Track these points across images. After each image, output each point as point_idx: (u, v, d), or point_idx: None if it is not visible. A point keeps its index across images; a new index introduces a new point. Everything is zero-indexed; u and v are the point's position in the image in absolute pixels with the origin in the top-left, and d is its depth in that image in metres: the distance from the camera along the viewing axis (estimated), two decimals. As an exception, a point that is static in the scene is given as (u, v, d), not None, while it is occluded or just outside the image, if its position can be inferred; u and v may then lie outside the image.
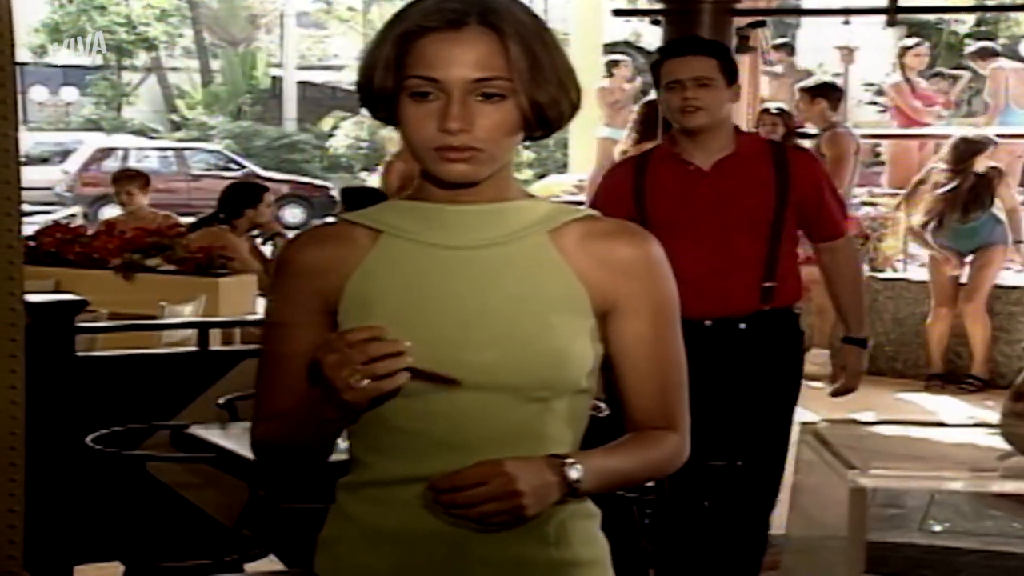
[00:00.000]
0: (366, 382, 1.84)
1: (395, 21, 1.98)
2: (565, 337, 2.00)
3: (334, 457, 2.14)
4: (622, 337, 2.06)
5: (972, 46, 13.00)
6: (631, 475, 2.09)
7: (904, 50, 12.23)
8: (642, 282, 2.05)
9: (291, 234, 7.56)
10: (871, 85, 23.06)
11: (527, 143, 2.08)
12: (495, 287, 2.00)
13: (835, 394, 4.56)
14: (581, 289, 2.02)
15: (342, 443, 2.10)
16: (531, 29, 1.97)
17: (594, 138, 13.29)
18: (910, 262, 10.16)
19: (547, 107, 1.98)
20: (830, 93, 9.37)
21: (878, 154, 12.46)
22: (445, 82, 1.93)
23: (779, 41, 14.10)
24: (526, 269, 2.01)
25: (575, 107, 2.03)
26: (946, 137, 11.25)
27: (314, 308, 2.05)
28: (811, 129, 9.55)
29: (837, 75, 18.05)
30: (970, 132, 9.29)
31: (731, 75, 4.32)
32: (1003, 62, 12.26)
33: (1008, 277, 9.35)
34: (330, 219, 2.35)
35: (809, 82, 9.76)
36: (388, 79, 1.97)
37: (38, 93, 32.00)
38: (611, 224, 2.09)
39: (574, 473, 1.94)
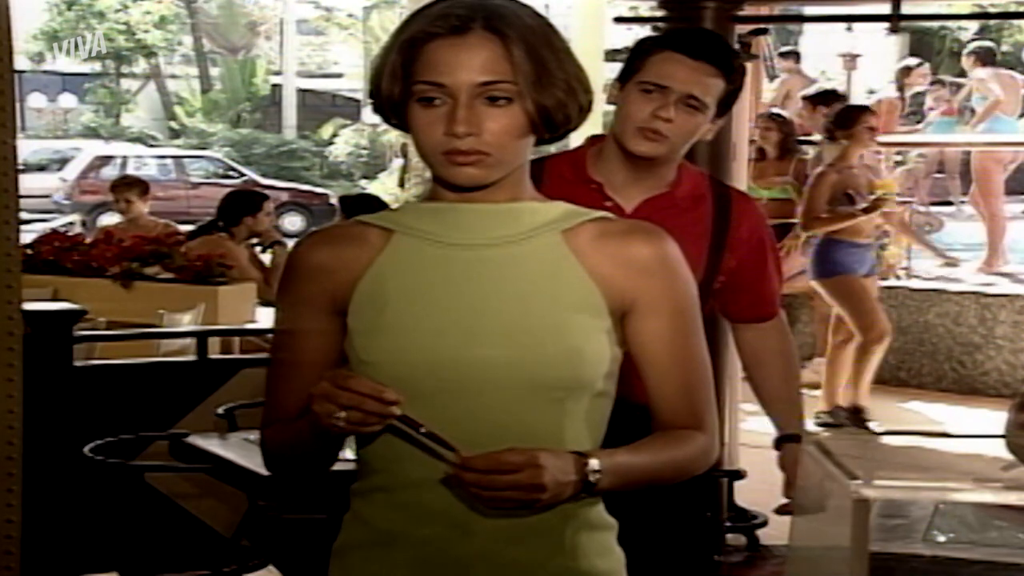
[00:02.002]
0: (343, 418, 1.87)
1: (402, 28, 2.01)
2: (579, 336, 1.99)
3: (341, 467, 2.13)
4: (642, 337, 2.05)
5: (971, 46, 12.97)
6: (655, 474, 2.06)
7: (907, 70, 12.21)
8: (659, 280, 2.04)
9: (290, 242, 7.56)
10: (873, 92, 23.10)
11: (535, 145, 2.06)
12: (507, 285, 2.00)
13: (782, 511, 3.33)
14: (595, 289, 2.02)
15: (350, 454, 2.09)
16: (537, 33, 1.97)
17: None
18: (912, 270, 10.16)
19: (553, 110, 1.98)
20: (832, 102, 9.32)
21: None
22: (451, 87, 1.94)
23: (785, 49, 14.10)
24: (539, 268, 2.01)
25: (584, 110, 2.02)
26: (951, 145, 11.20)
27: (324, 309, 2.05)
28: (815, 137, 9.53)
29: (831, 81, 18.06)
30: None
31: (725, 106, 3.12)
32: (984, 72, 12.29)
33: (1012, 286, 9.33)
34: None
35: (811, 90, 9.74)
36: (396, 86, 1.98)
37: (36, 100, 31.98)
38: (625, 224, 2.11)
39: (593, 475, 1.94)
